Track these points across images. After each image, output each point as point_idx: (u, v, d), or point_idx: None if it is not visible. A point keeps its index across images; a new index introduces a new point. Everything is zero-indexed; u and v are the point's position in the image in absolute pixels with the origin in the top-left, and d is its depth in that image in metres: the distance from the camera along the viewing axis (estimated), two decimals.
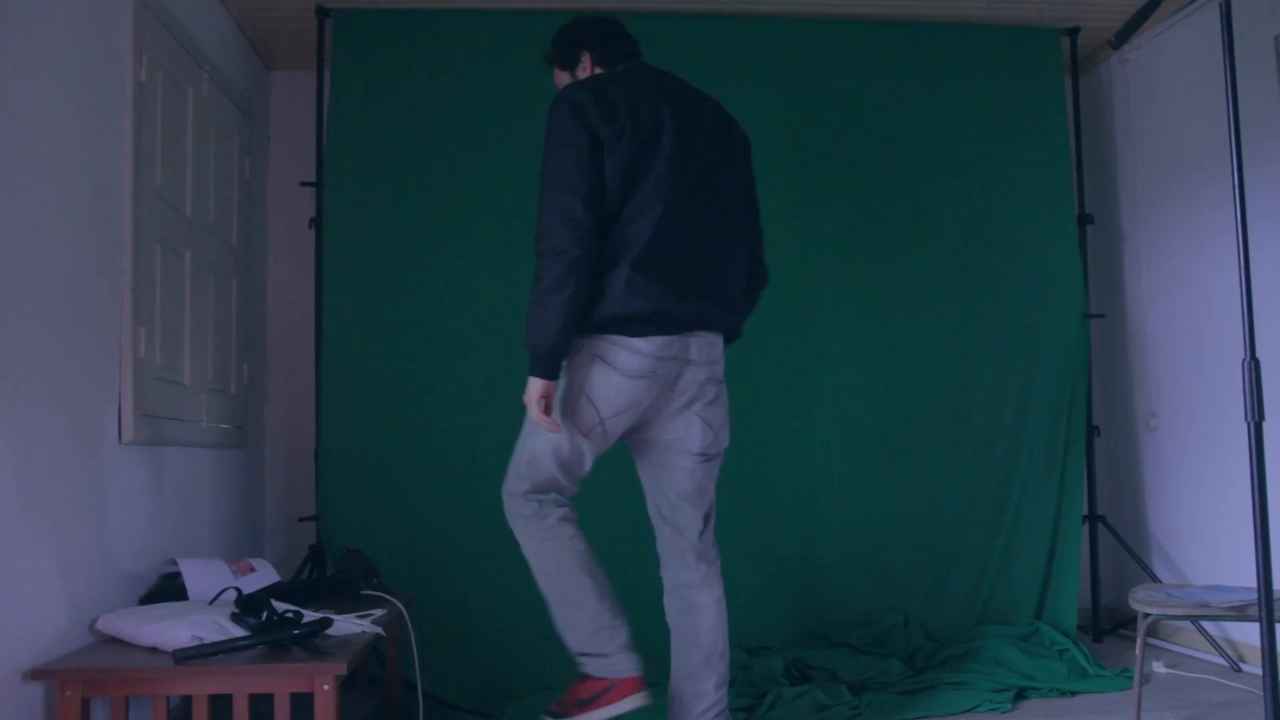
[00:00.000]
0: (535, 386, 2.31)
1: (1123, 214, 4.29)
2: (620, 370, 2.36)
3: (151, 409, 2.86)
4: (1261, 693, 2.23)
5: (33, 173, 2.29)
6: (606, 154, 2.35)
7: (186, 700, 2.58)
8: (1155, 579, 3.91)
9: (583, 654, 2.43)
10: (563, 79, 2.64)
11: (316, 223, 3.89)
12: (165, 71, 3.04)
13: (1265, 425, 1.99)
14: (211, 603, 2.56)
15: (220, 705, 2.27)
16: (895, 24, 4.02)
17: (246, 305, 3.86)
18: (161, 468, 2.99)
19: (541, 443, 2.41)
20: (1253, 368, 1.95)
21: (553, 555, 2.43)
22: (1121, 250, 4.30)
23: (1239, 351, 2.00)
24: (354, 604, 2.86)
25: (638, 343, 2.36)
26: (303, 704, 2.16)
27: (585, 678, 2.42)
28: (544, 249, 2.30)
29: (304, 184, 3.97)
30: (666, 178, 2.39)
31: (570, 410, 2.39)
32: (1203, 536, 3.79)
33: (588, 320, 2.33)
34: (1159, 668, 3.53)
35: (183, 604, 2.58)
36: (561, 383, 2.38)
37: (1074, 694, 3.21)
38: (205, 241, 3.37)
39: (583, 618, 2.41)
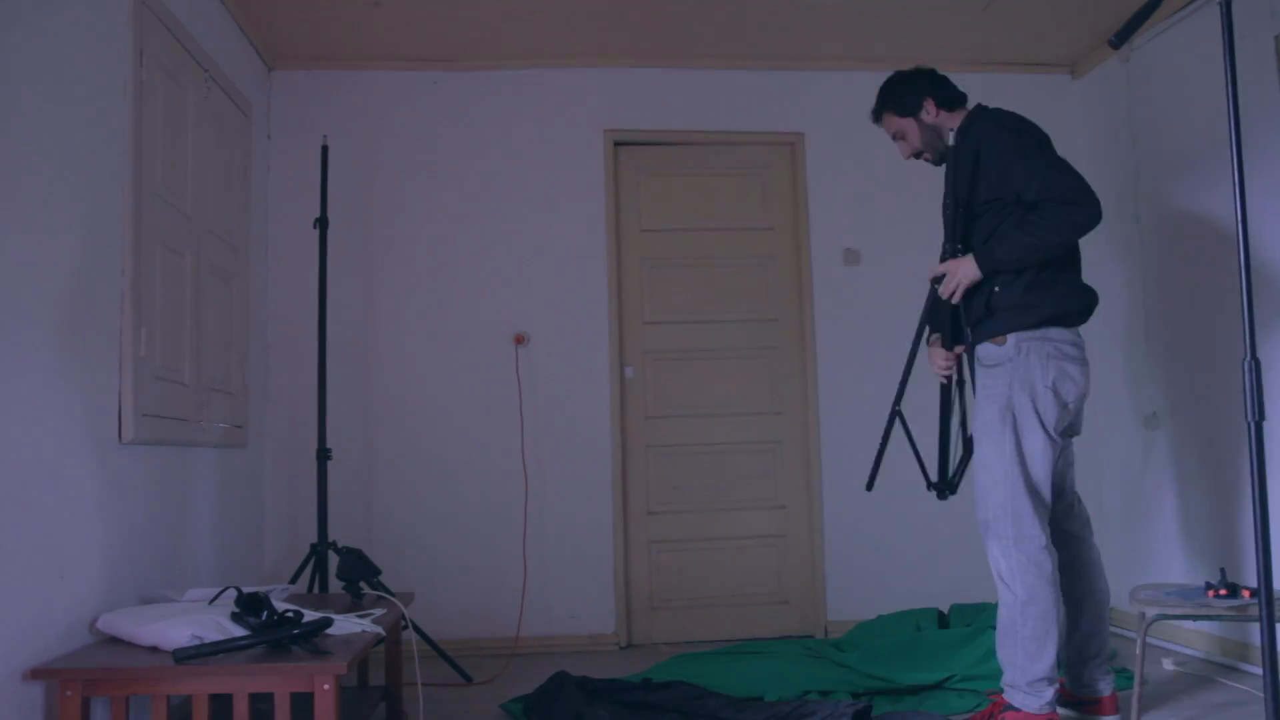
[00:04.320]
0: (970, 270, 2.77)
1: (1123, 213, 4.28)
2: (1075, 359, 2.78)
3: (151, 409, 2.86)
4: (1261, 693, 2.23)
5: (33, 173, 2.29)
6: None
7: (186, 700, 2.59)
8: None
9: (1012, 685, 2.73)
10: (899, 125, 3.06)
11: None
12: (165, 71, 3.04)
13: (1265, 425, 1.99)
14: (212, 602, 2.56)
15: (220, 705, 2.27)
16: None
17: (246, 305, 3.86)
18: (161, 468, 2.99)
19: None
20: (1253, 368, 1.95)
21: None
22: (1122, 249, 4.30)
23: (1239, 351, 2.00)
24: (354, 604, 2.86)
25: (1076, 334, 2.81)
26: (303, 704, 2.16)
27: (1010, 708, 2.73)
28: (1080, 205, 2.70)
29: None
30: None
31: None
32: (1203, 536, 3.79)
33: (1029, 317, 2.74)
34: (1168, 665, 3.54)
35: (183, 603, 2.58)
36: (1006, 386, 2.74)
37: None
38: (205, 241, 3.37)
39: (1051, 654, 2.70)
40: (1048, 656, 2.68)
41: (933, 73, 3.07)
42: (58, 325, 2.39)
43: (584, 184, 4.42)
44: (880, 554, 4.38)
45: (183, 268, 3.17)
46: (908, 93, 3.04)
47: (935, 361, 2.94)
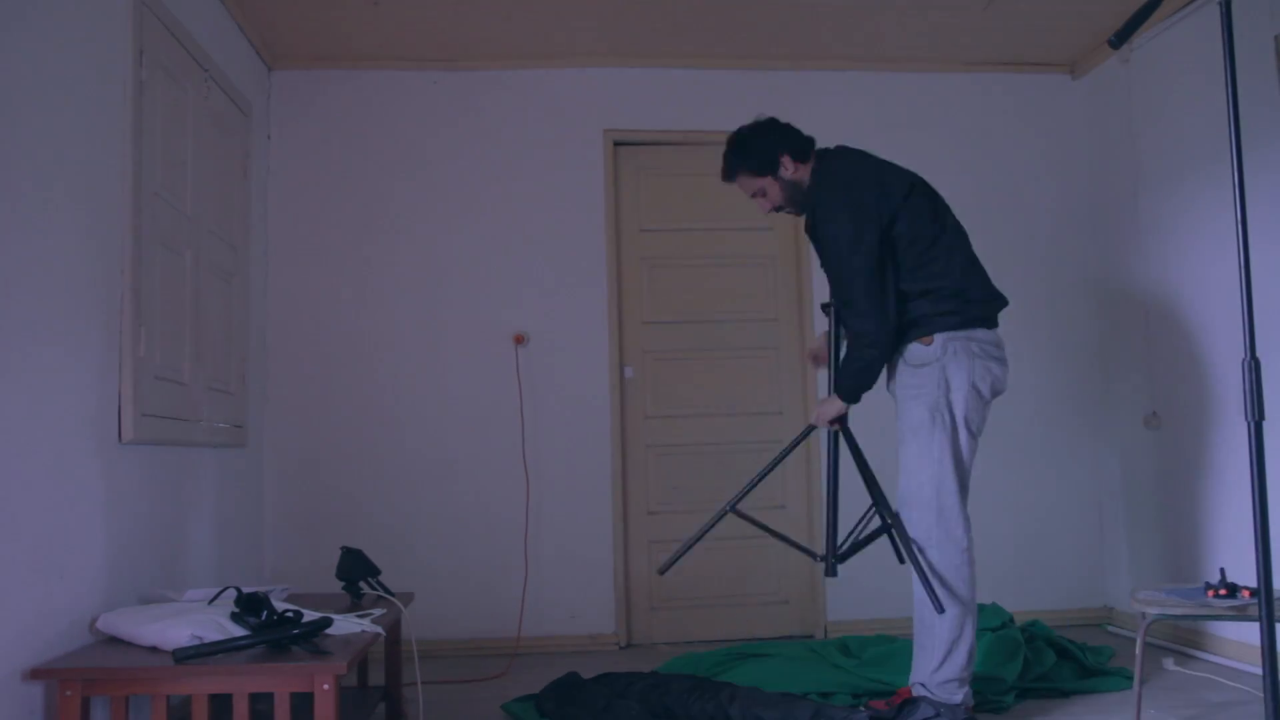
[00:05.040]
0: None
1: (1123, 213, 4.29)
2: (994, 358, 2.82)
3: (151, 409, 2.86)
4: (1261, 693, 2.23)
5: (33, 173, 2.29)
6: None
7: (186, 700, 2.59)
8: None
9: (921, 684, 2.76)
10: (758, 184, 2.94)
11: None
12: (165, 71, 3.04)
13: (1265, 425, 1.99)
14: (211, 602, 2.55)
15: (220, 705, 2.27)
16: None
17: (246, 305, 3.86)
18: (161, 468, 2.99)
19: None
20: (1253, 368, 1.95)
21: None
22: (1122, 249, 4.31)
23: (1239, 351, 2.00)
24: (354, 604, 2.86)
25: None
26: (303, 704, 2.16)
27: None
28: (861, 337, 2.81)
29: None
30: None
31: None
32: (1204, 536, 3.79)
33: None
34: (1169, 665, 3.54)
35: (183, 604, 2.58)
36: (934, 386, 2.77)
37: (1074, 694, 3.21)
38: (205, 241, 3.37)
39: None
40: (960, 658, 2.74)
41: (778, 123, 2.95)
42: (57, 325, 2.39)
43: (584, 184, 4.42)
44: (879, 554, 4.37)
45: (183, 268, 3.17)
46: (764, 150, 2.90)
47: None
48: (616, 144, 4.47)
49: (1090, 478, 4.47)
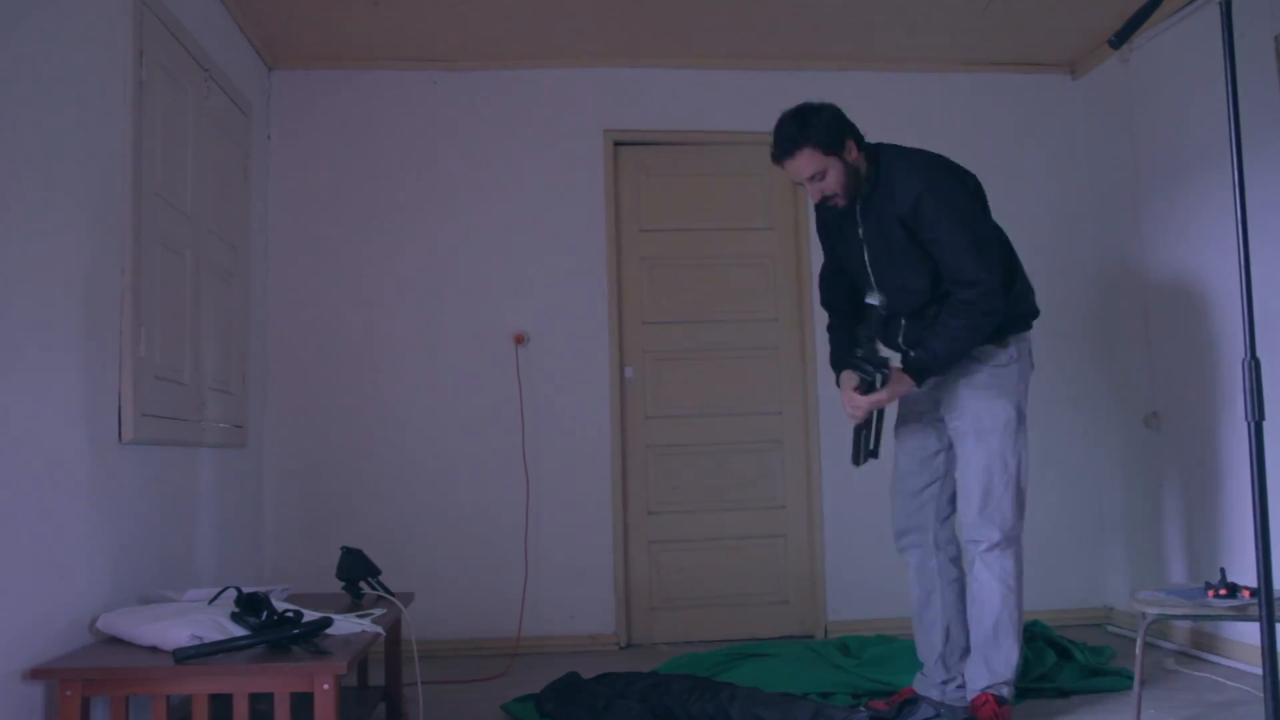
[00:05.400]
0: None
1: (1123, 213, 4.29)
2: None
3: (151, 409, 2.86)
4: (1261, 693, 2.23)
5: (33, 173, 2.29)
6: None
7: (186, 700, 2.59)
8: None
9: (1005, 682, 2.78)
10: (821, 163, 2.73)
11: None
12: (165, 71, 3.04)
13: (1265, 425, 1.99)
14: (212, 602, 2.56)
15: (220, 705, 2.27)
16: None
17: (246, 305, 3.86)
18: (161, 468, 2.99)
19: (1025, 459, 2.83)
20: (1253, 368, 1.95)
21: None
22: (1122, 249, 4.30)
23: (1240, 351, 2.00)
24: (354, 604, 2.86)
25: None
26: (303, 704, 2.16)
27: (1004, 701, 2.77)
28: (992, 313, 2.72)
29: None
30: None
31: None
32: (1203, 536, 3.79)
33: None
34: (1169, 665, 3.54)
35: (183, 604, 2.58)
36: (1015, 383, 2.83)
37: (1074, 694, 3.20)
38: (205, 241, 3.37)
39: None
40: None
41: (838, 107, 2.81)
42: (57, 325, 2.39)
43: (584, 184, 4.42)
44: (880, 554, 4.37)
45: (183, 268, 3.17)
46: (833, 128, 2.72)
47: (856, 403, 2.80)
48: (616, 144, 4.47)
49: (1090, 478, 4.47)
